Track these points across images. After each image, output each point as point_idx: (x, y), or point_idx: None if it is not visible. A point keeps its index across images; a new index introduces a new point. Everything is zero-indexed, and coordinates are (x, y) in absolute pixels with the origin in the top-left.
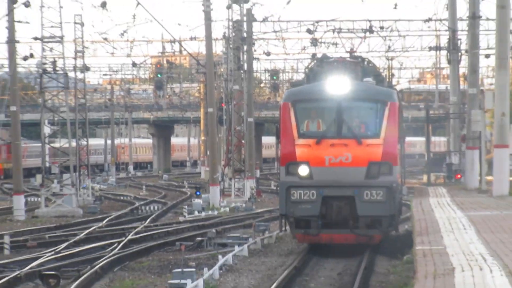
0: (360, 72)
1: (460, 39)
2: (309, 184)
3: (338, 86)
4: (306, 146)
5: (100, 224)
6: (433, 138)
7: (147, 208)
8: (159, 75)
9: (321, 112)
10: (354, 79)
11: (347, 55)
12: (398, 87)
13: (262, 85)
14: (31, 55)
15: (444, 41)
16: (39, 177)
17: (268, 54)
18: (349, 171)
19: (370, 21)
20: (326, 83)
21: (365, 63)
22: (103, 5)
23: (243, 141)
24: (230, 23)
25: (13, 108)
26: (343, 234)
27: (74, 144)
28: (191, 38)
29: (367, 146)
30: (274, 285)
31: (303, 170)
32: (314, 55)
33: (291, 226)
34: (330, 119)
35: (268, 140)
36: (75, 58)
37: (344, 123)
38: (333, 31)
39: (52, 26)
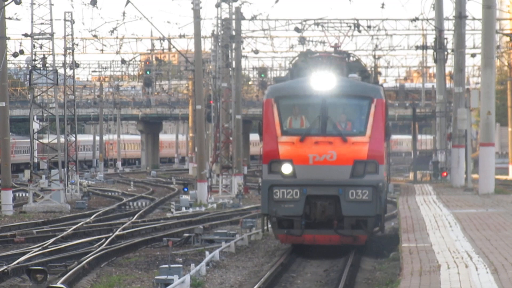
0: (345, 68)
1: (446, 39)
2: (292, 182)
3: (322, 81)
4: (290, 144)
5: (88, 220)
6: (419, 136)
7: (135, 204)
8: (148, 72)
9: (305, 108)
10: (339, 74)
11: (332, 50)
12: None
13: (250, 82)
14: (21, 52)
15: (430, 40)
16: (27, 173)
17: (256, 52)
18: (334, 170)
19: (357, 20)
20: (310, 78)
21: (351, 58)
22: (93, 2)
23: (231, 138)
24: (219, 21)
25: (2, 104)
26: (327, 235)
27: (62, 140)
28: (180, 36)
29: (352, 144)
30: (261, 281)
31: (286, 168)
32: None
33: (273, 226)
34: (314, 115)
35: (255, 137)
36: (64, 55)
37: (329, 120)
38: (317, 24)
39: (42, 23)
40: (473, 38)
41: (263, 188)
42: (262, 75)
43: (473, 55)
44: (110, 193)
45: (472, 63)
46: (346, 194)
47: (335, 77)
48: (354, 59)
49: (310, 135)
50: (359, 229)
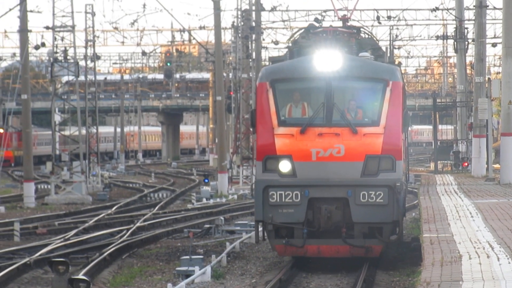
0: (355, 45)
1: (467, 28)
2: (291, 183)
3: (327, 61)
4: (288, 136)
5: (109, 211)
6: (440, 126)
7: (156, 195)
8: (168, 64)
9: (307, 93)
10: (348, 53)
11: (340, 24)
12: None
13: None
14: (43, 44)
15: (451, 30)
16: (49, 165)
17: (276, 43)
18: (342, 167)
19: (377, 10)
20: (313, 58)
21: (361, 34)
22: None
23: (251, 129)
24: (239, 13)
25: (24, 96)
26: (334, 245)
27: (84, 132)
28: (200, 27)
29: (364, 136)
30: (282, 272)
31: (285, 166)
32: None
33: (269, 235)
34: (317, 102)
35: None
36: (85, 47)
37: (335, 108)
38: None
39: (63, 16)
40: (494, 28)
41: (257, 190)
42: None
43: (494, 45)
44: (131, 185)
45: (493, 53)
46: (356, 196)
47: (342, 56)
48: (366, 35)
49: (313, 125)
50: (372, 238)
